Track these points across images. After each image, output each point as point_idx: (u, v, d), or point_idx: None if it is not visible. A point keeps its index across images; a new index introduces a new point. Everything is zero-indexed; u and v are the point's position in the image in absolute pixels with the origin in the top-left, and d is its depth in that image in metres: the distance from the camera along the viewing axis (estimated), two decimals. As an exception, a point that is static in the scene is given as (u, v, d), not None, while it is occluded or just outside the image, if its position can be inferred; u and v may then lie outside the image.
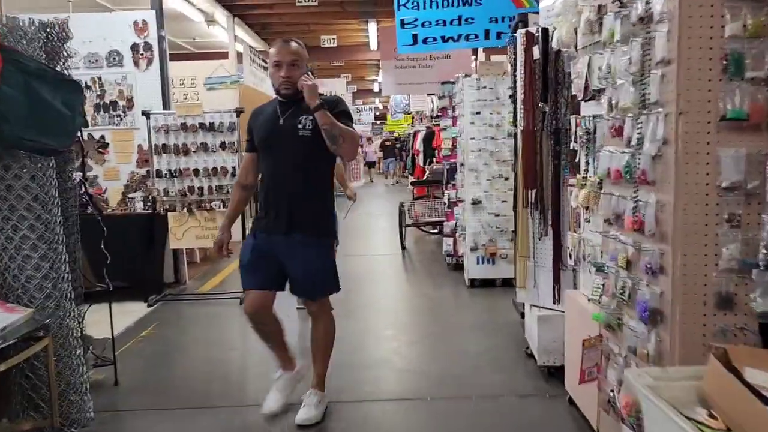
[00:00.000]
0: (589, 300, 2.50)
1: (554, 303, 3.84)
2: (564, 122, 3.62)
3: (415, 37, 5.71)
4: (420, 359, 4.41)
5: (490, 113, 5.99)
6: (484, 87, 5.98)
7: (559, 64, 3.59)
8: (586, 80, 2.93)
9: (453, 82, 6.84)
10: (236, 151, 5.95)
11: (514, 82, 4.30)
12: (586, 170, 3.00)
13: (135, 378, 4.15)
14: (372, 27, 10.88)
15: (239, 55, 10.35)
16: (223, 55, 10.30)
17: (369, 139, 25.75)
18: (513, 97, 4.40)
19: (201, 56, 11.87)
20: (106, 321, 4.00)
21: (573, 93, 3.19)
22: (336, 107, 3.07)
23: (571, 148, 3.27)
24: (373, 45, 11.93)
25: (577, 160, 3.29)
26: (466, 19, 5.66)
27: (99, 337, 4.09)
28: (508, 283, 6.06)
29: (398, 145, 21.79)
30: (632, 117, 2.09)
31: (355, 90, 21.39)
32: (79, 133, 3.70)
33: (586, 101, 3.01)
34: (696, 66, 1.83)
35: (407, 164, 15.66)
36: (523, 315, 4.49)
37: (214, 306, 5.96)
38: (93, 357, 4.00)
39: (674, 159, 1.87)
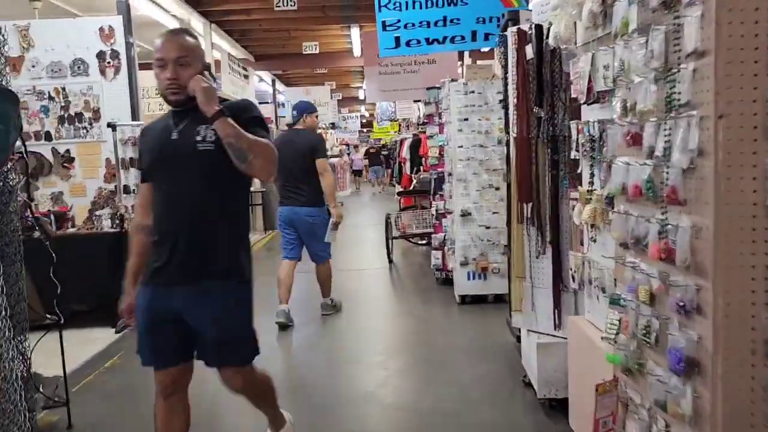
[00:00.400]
0: (602, 338, 2.13)
1: (555, 329, 3.48)
2: (562, 128, 3.26)
3: (397, 39, 5.36)
4: (408, 391, 4.03)
5: (479, 119, 5.64)
6: (472, 92, 5.62)
7: (555, 64, 3.24)
8: (590, 80, 2.59)
9: (439, 88, 6.49)
10: (209, 164, 5.54)
11: (506, 85, 3.95)
12: (591, 182, 2.64)
13: (93, 417, 3.75)
14: (355, 32, 10.53)
15: (217, 64, 9.97)
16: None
17: (356, 146, 25.41)
18: (504, 102, 4.04)
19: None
20: (68, 352, 3.61)
21: (573, 96, 2.83)
22: (244, 113, 2.44)
23: (572, 157, 2.91)
24: (357, 51, 11.58)
25: (579, 170, 2.94)
26: (452, 20, 5.32)
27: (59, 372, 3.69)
28: (501, 299, 5.70)
29: (385, 153, 21.48)
30: (655, 122, 1.73)
31: (340, 98, 21.06)
32: (23, 149, 3.33)
33: (589, 104, 2.66)
34: (738, 57, 1.48)
35: (394, 172, 15.32)
36: (518, 338, 4.12)
37: (187, 330, 5.53)
38: (43, 398, 3.59)
39: (713, 173, 1.51)
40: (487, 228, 5.71)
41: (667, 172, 1.64)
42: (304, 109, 5.58)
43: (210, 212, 2.45)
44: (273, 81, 16.27)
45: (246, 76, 11.49)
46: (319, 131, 6.22)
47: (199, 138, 2.39)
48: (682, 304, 1.62)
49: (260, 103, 16.44)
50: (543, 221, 3.41)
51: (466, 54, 10.11)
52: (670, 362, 1.64)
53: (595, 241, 2.71)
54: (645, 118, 1.79)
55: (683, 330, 1.62)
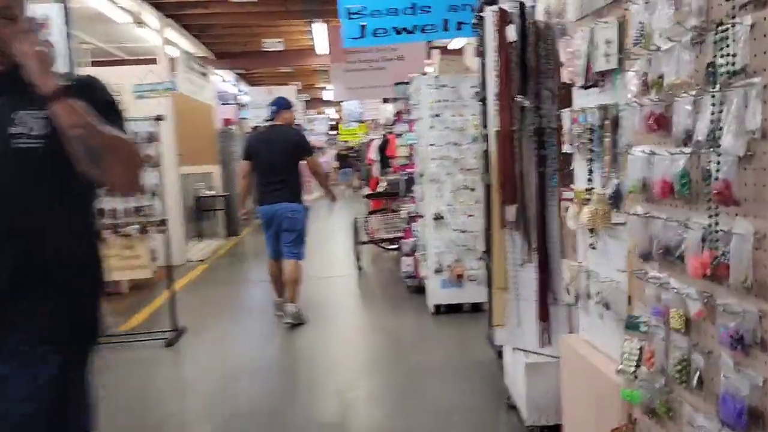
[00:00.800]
0: (618, 372, 1.73)
1: (541, 346, 3.08)
2: (549, 119, 2.88)
3: (363, 28, 4.92)
4: (379, 419, 3.59)
5: (452, 115, 5.25)
6: (444, 86, 5.23)
7: (540, 46, 2.85)
8: (588, 61, 2.20)
9: (408, 83, 6.09)
10: (157, 165, 5.05)
11: (483, 74, 3.55)
12: (590, 180, 2.25)
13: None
14: (318, 28, 10.06)
15: (173, 61, 9.41)
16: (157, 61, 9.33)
17: (321, 149, 24.86)
18: (482, 93, 3.65)
19: (133, 63, 10.85)
20: None
21: (565, 79, 2.44)
22: (94, 94, 1.66)
23: (565, 151, 2.51)
24: (321, 49, 11.11)
25: (572, 167, 2.55)
26: (422, 8, 4.91)
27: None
28: (478, 308, 5.33)
29: (353, 155, 21.09)
30: (692, 97, 1.33)
31: (308, 99, 20.53)
32: None
33: (585, 89, 2.28)
34: (819, 4, 1.09)
35: (363, 174, 14.91)
36: (500, 354, 3.73)
37: (136, 350, 5.02)
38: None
39: (785, 162, 1.11)
40: (463, 232, 5.32)
41: (717, 162, 1.24)
42: (282, 105, 5.55)
43: (30, 252, 1.61)
44: (236, 81, 15.70)
45: (205, 75, 10.93)
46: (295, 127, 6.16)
47: (16, 130, 1.58)
48: (738, 336, 1.22)
49: (223, 103, 15.85)
50: (529, 225, 3.01)
51: (436, 52, 9.77)
52: (724, 413, 1.24)
53: (594, 248, 2.32)
54: (676, 93, 1.39)
55: (742, 371, 1.23)
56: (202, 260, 9.14)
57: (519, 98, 2.95)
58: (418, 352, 4.58)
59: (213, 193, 11.14)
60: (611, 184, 2.11)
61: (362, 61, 9.10)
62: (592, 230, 2.31)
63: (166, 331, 5.16)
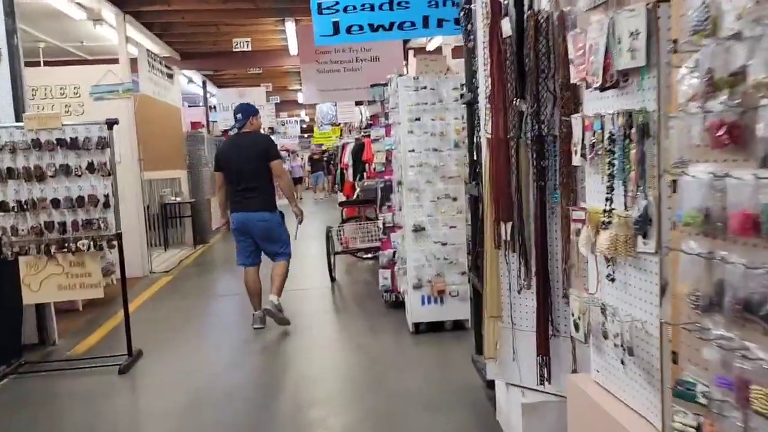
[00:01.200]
0: (667, 453, 1.37)
1: (539, 383, 2.71)
2: (551, 126, 2.52)
3: (336, 25, 4.53)
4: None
5: (432, 119, 4.88)
6: (424, 88, 4.85)
7: (540, 42, 2.48)
8: (606, 57, 1.84)
9: (385, 84, 5.70)
10: (109, 174, 4.57)
11: (471, 74, 3.19)
12: (609, 199, 1.88)
13: None
14: (290, 27, 9.63)
15: (134, 62, 8.88)
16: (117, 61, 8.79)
17: (294, 152, 24.40)
18: (473, 95, 3.28)
19: (93, 62, 10.28)
20: None
21: (575, 79, 2.09)
22: None
23: (575, 163, 2.15)
24: (294, 50, 10.67)
25: (582, 182, 2.19)
26: (399, 3, 4.55)
27: None
28: (460, 326, 4.97)
29: (325, 158, 20.70)
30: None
31: (278, 101, 19.99)
32: None
33: (603, 90, 1.92)
34: None
35: (336, 179, 14.47)
36: (491, 384, 3.36)
37: (88, 376, 4.55)
38: None
39: None
40: (444, 245, 4.95)
41: None
42: (250, 111, 5.49)
43: None
44: (204, 82, 15.15)
45: (170, 76, 10.40)
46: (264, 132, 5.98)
47: None
48: None
49: (190, 106, 15.27)
50: (527, 247, 2.64)
51: (411, 55, 9.42)
52: None
53: (612, 279, 1.96)
54: (766, 95, 1.03)
55: None
56: (166, 271, 8.64)
57: (516, 102, 2.59)
58: (397, 377, 4.18)
59: (179, 199, 10.62)
60: (638, 205, 1.75)
61: (335, 62, 8.73)
62: (610, 259, 1.95)
63: (121, 355, 4.70)
